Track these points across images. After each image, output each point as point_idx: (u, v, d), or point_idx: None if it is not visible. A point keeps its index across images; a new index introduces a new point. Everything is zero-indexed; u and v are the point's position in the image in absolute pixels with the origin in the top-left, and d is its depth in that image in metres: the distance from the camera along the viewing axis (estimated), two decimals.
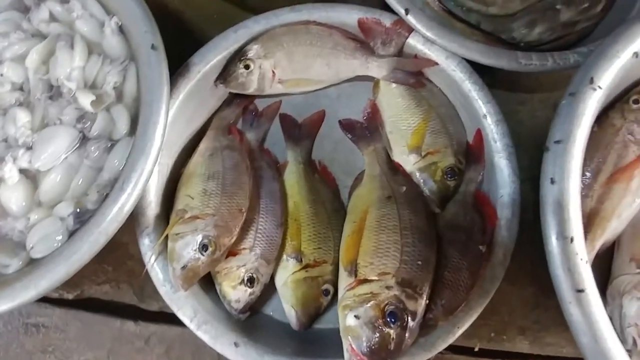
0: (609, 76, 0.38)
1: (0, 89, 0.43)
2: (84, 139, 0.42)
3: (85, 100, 0.42)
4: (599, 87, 0.37)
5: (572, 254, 0.34)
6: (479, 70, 0.47)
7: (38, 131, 0.42)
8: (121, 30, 0.45)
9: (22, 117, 0.42)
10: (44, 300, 0.74)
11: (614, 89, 0.39)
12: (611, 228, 0.45)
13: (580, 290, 0.33)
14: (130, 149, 0.40)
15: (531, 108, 0.53)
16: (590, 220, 0.45)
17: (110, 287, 0.51)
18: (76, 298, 0.53)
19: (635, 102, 0.44)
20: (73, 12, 0.45)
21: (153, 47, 0.41)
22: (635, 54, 0.39)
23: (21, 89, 0.44)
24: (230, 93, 0.51)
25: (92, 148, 0.41)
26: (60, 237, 0.39)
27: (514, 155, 0.44)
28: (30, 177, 0.42)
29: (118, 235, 0.45)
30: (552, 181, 0.35)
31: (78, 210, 0.40)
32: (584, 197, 0.45)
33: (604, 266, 0.46)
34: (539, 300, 0.49)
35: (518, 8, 0.53)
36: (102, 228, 0.37)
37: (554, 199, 0.35)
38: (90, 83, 0.43)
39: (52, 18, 0.46)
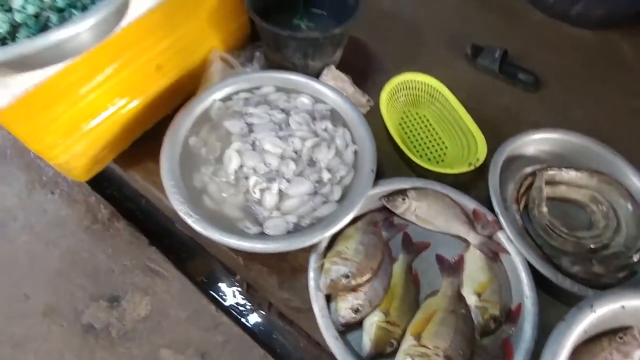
0: (603, 307, 0.64)
1: (287, 147, 0.82)
2: (314, 193, 0.78)
3: (325, 176, 0.79)
4: (594, 312, 0.63)
5: None
6: (535, 273, 0.74)
7: (296, 176, 0.79)
8: (355, 153, 0.84)
9: (292, 166, 0.79)
10: (167, 256, 1.04)
11: (605, 319, 0.65)
12: None
13: None
14: (335, 208, 0.75)
15: (561, 312, 0.77)
16: None
17: (261, 273, 0.80)
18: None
19: (620, 338, 0.65)
20: (336, 132, 0.86)
21: (372, 170, 0.78)
22: (622, 307, 0.65)
23: (296, 152, 0.83)
24: (384, 206, 0.85)
25: (317, 199, 0.77)
26: (282, 230, 0.72)
27: (536, 329, 0.70)
28: (281, 195, 0.77)
29: None
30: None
31: (295, 224, 0.74)
32: None
33: None
34: None
35: (569, 250, 0.82)
36: (309, 237, 0.69)
37: None
38: (330, 168, 0.81)
39: (325, 130, 0.87)
